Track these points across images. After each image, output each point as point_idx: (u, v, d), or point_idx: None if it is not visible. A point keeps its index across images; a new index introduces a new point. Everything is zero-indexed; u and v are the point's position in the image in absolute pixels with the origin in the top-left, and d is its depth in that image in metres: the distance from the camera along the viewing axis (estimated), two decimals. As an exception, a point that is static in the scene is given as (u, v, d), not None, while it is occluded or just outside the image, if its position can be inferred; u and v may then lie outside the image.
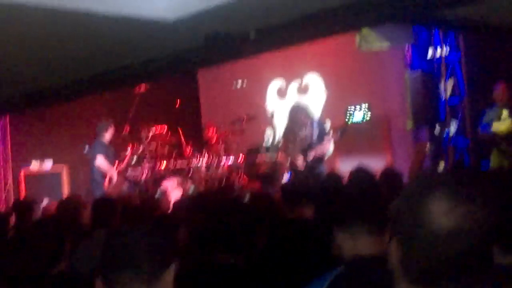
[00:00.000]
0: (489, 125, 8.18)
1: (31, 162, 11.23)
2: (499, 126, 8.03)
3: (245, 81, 10.60)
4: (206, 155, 10.24)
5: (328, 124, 9.33)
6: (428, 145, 9.24)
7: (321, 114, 10.44)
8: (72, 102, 10.63)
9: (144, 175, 10.18)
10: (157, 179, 10.21)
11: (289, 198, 4.75)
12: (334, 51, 9.92)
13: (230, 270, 3.08)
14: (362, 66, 10.44)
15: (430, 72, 9.56)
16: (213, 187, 9.63)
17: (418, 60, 9.78)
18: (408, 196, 1.54)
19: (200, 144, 10.88)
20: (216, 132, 10.80)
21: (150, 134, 10.28)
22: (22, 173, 11.17)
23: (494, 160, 8.06)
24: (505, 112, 8.09)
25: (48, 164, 11.25)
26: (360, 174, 5.60)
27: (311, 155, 8.41)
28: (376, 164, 8.38)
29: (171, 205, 6.10)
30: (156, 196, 6.93)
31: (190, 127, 11.97)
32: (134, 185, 10.18)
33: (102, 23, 5.38)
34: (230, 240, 3.21)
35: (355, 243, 2.38)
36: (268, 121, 11.45)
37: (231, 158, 10.31)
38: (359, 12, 5.66)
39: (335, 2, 5.52)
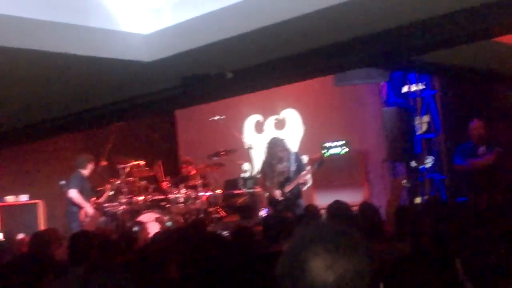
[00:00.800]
0: (464, 160, 8.32)
1: (5, 198, 11.16)
2: None
3: (223, 116, 10.66)
4: (184, 189, 10.21)
5: (305, 159, 9.41)
6: (404, 180, 9.34)
7: (298, 149, 10.50)
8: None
9: (121, 209, 10.11)
10: (134, 212, 10.14)
11: (269, 233, 4.77)
12: (310, 86, 10.04)
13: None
14: (338, 102, 10.57)
15: (406, 108, 9.71)
16: (190, 220, 9.58)
17: (394, 95, 9.94)
18: (290, 255, 1.55)
19: (178, 178, 10.85)
20: (193, 166, 10.79)
21: (127, 168, 10.24)
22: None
23: None
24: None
25: (23, 199, 11.17)
26: (338, 207, 5.66)
27: (289, 188, 8.46)
28: (353, 198, 8.46)
29: (149, 239, 6.06)
30: (134, 229, 6.88)
31: (167, 162, 11.95)
32: (111, 218, 10.10)
33: (78, 64, 5.40)
34: (213, 277, 3.21)
35: None
36: (246, 155, 11.48)
37: (209, 192, 10.30)
38: (335, 56, 5.76)
39: (310, 45, 5.62)
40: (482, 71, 7.67)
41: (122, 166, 10.23)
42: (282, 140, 8.91)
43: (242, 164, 11.35)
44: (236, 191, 10.71)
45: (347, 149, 9.05)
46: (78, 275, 3.92)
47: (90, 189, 9.82)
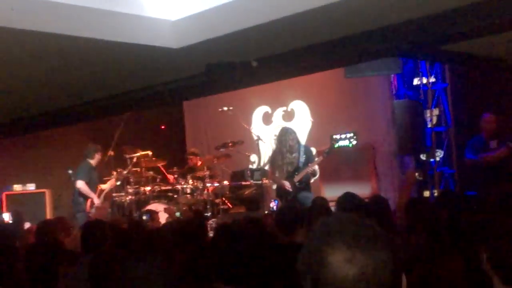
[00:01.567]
0: (475, 154, 8.27)
1: (12, 187, 11.18)
2: None
3: (231, 108, 10.63)
4: (191, 180, 10.19)
5: (313, 151, 9.37)
6: (417, 173, 9.29)
7: (306, 141, 10.47)
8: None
9: (128, 199, 10.11)
10: (141, 202, 10.14)
11: (284, 224, 4.74)
12: (319, 78, 9.98)
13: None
14: (348, 94, 10.51)
15: (416, 100, 9.66)
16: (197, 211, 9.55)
17: (404, 88, 9.89)
18: (309, 250, 1.53)
19: (185, 169, 10.83)
20: (200, 158, 10.77)
21: (135, 159, 10.23)
22: (3, 195, 11.10)
23: None
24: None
25: (30, 188, 11.21)
26: (349, 199, 5.64)
27: (298, 178, 8.45)
28: (361, 190, 8.41)
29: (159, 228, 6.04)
30: (144, 219, 6.85)
31: (174, 152, 11.93)
32: (118, 208, 10.10)
33: (105, 49, 5.37)
34: (227, 270, 3.18)
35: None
36: (253, 147, 11.44)
37: (216, 183, 10.27)
38: (365, 44, 5.72)
39: (340, 33, 5.58)
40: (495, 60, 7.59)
41: (129, 156, 10.23)
42: (293, 130, 8.92)
43: (249, 155, 11.31)
44: (243, 183, 10.68)
45: (355, 142, 9.00)
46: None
47: (98, 178, 9.85)
